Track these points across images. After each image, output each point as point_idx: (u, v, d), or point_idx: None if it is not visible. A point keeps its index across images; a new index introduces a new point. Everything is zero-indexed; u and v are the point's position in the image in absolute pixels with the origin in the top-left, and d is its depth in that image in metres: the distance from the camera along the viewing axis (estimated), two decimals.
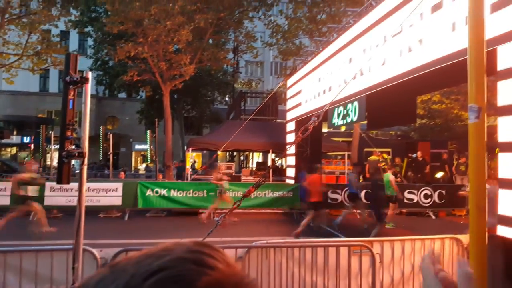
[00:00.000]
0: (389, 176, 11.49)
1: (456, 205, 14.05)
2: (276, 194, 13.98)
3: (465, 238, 5.67)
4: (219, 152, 23.81)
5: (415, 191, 14.31)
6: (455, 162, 18.05)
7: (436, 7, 6.93)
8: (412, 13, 6.82)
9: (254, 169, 25.17)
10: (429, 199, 14.23)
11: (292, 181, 15.90)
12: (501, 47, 5.32)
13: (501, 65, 5.33)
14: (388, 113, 10.43)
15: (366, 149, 21.43)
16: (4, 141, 28.23)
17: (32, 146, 34.40)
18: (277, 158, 23.97)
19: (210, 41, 21.28)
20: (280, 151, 18.29)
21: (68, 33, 35.43)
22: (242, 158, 36.30)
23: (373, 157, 18.72)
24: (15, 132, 34.45)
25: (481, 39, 3.36)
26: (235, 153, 32.10)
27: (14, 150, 36.84)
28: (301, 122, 14.17)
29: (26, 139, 34.33)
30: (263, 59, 39.70)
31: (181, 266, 0.61)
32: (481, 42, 3.36)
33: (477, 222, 3.24)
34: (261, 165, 24.21)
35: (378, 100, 9.38)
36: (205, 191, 13.64)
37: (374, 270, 5.55)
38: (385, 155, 20.54)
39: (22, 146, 36.06)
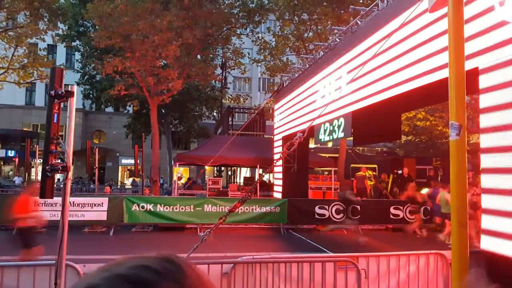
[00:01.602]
0: (445, 194, 11.75)
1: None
2: (264, 209, 13.91)
3: (449, 254, 5.71)
4: (206, 167, 23.74)
5: (401, 207, 14.39)
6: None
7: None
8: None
9: (241, 184, 25.12)
10: (414, 215, 14.29)
11: (279, 196, 15.91)
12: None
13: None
14: (373, 130, 10.57)
15: (352, 165, 21.58)
16: None
17: (17, 160, 33.90)
18: (263, 173, 23.97)
19: (199, 56, 21.39)
20: (268, 166, 18.35)
21: (55, 47, 35.32)
22: (229, 173, 36.22)
23: (360, 173, 18.83)
24: None
25: (461, 58, 3.45)
26: (222, 168, 32.03)
27: None
28: (288, 138, 14.26)
29: (11, 153, 33.81)
30: (251, 75, 39.95)
31: (111, 285, 0.58)
32: (461, 61, 3.45)
33: (459, 237, 3.28)
34: (249, 180, 24.19)
35: (363, 117, 9.50)
36: (192, 206, 13.54)
37: (359, 285, 5.55)
38: (370, 172, 20.68)
39: (6, 160, 35.51)
